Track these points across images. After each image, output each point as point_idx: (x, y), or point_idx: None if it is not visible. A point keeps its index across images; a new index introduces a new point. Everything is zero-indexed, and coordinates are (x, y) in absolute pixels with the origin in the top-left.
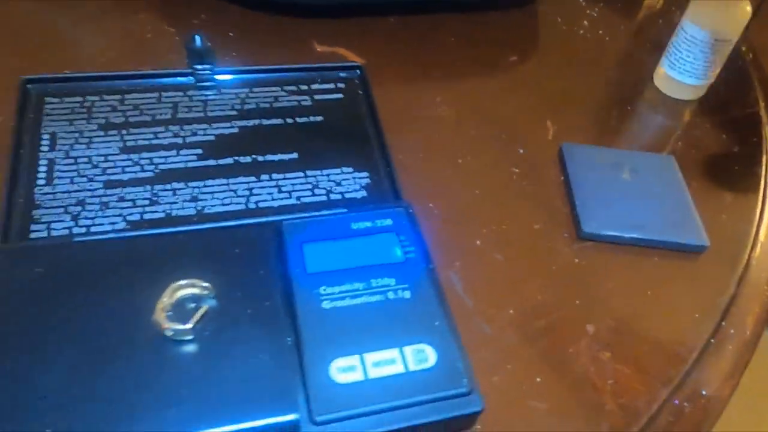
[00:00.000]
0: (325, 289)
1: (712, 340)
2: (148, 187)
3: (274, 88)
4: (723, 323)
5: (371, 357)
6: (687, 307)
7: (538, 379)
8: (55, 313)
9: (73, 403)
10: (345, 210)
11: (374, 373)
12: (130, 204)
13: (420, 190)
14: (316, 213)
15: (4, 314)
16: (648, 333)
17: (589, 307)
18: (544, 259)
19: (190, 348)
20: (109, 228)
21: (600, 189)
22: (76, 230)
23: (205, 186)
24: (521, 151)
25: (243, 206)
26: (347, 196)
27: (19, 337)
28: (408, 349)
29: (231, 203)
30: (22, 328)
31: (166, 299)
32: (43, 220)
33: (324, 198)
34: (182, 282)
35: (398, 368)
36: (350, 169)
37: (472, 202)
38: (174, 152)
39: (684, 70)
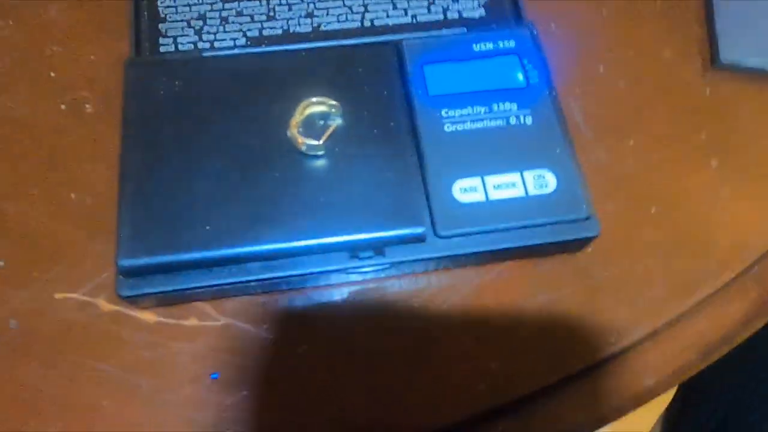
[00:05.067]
0: (446, 112)
1: None
2: (264, 1)
3: None
4: None
5: (492, 179)
6: None
7: (653, 210)
8: (199, 125)
9: (225, 204)
10: (465, 30)
11: (495, 195)
12: (248, 19)
13: (542, 8)
14: (436, 33)
15: (153, 124)
16: None
17: (716, 142)
18: (671, 89)
19: (322, 162)
20: (231, 44)
21: (745, 11)
22: (200, 45)
23: (319, 1)
24: None
25: (358, 24)
26: (465, 15)
27: (167, 146)
28: (528, 174)
29: (347, 20)
30: (170, 138)
31: (299, 116)
32: (169, 34)
33: (440, 16)
34: (312, 99)
35: (519, 191)
36: None
37: (598, 22)
38: None
39: None
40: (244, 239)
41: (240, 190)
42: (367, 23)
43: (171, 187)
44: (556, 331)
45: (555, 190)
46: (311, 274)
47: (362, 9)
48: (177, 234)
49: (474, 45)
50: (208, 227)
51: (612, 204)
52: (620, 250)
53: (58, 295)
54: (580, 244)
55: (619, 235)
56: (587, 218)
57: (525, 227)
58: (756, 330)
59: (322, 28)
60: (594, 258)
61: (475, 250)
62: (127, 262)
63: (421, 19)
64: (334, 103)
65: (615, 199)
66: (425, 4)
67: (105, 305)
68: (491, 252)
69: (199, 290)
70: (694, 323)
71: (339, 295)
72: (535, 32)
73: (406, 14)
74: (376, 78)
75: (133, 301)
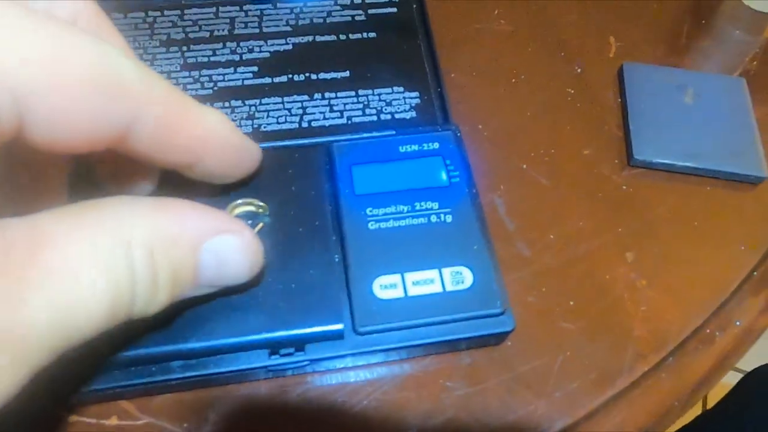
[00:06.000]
0: (371, 211)
1: (755, 273)
2: (208, 105)
3: (327, 2)
4: None
5: (411, 276)
6: (733, 238)
7: (572, 303)
8: None
9: None
10: (393, 132)
11: (413, 291)
12: None
13: (470, 111)
14: (366, 135)
15: None
16: (688, 263)
17: (631, 236)
18: (590, 185)
19: None
20: None
21: (658, 113)
22: None
23: (260, 104)
24: (578, 70)
25: (296, 125)
26: (397, 116)
27: None
28: (446, 271)
29: (285, 122)
30: None
31: None
32: None
33: (374, 118)
34: (239, 201)
35: (436, 288)
36: (401, 89)
37: (522, 124)
38: (231, 69)
39: None
40: (165, 339)
41: None
42: (305, 124)
43: None
44: (475, 426)
45: (471, 286)
46: (232, 371)
47: (301, 111)
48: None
49: (400, 146)
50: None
51: (532, 297)
52: (540, 343)
53: None
54: (497, 338)
55: (538, 328)
56: (502, 313)
57: (442, 322)
58: (672, 422)
59: (263, 129)
60: (514, 351)
61: (393, 345)
62: None
63: (356, 120)
64: (261, 204)
65: (535, 292)
66: (360, 106)
67: None
68: (409, 347)
69: (120, 389)
70: (611, 416)
71: (261, 390)
72: (459, 134)
73: (341, 116)
74: (305, 178)
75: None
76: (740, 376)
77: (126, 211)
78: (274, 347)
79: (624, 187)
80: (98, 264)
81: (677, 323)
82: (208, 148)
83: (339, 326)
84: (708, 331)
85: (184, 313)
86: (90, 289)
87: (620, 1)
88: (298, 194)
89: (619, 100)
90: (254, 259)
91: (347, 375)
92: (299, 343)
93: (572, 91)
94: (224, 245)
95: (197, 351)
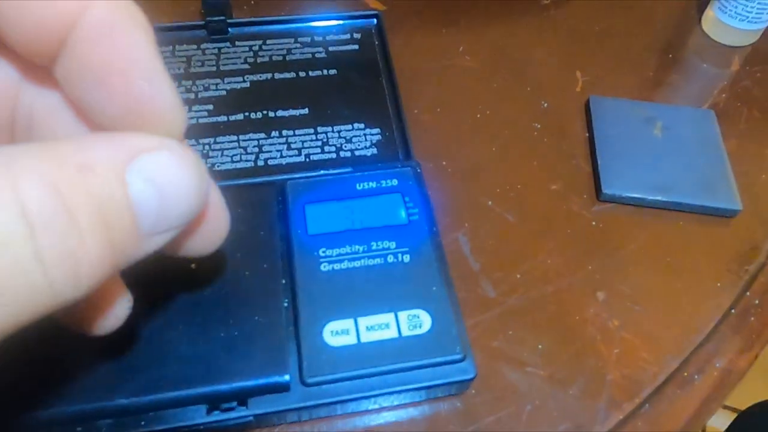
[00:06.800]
0: (324, 252)
1: (733, 311)
2: None
3: (287, 40)
4: (747, 293)
5: (365, 321)
6: (708, 275)
7: (540, 346)
8: None
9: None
10: (351, 169)
11: (367, 337)
12: None
13: (434, 147)
14: (322, 172)
15: None
16: (662, 302)
17: (602, 274)
18: (558, 221)
19: (187, 308)
20: None
21: (626, 147)
22: None
23: (215, 143)
24: (545, 104)
25: (252, 164)
26: (357, 153)
27: None
28: (402, 314)
29: (240, 160)
30: None
31: None
32: None
33: (333, 155)
34: None
35: (392, 333)
36: (362, 126)
37: (487, 160)
38: (186, 108)
39: (735, 13)
40: (91, 395)
41: (92, 341)
42: (261, 162)
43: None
44: None
45: (429, 331)
46: (167, 430)
47: (257, 149)
48: (17, 391)
49: (357, 184)
50: (55, 383)
51: (497, 341)
52: (506, 391)
53: None
54: (458, 386)
55: (504, 375)
56: (463, 359)
57: (398, 371)
58: None
59: (216, 167)
60: (478, 400)
61: (344, 397)
62: None
63: (314, 158)
64: None
65: (500, 336)
66: (319, 143)
67: None
68: (363, 398)
69: None
70: None
71: None
72: (419, 170)
73: (299, 154)
74: (255, 218)
75: None
76: (733, 414)
77: (13, 151)
78: (214, 402)
79: (593, 223)
80: None
81: (653, 366)
82: (145, 107)
83: (285, 377)
84: (686, 374)
85: (111, 364)
86: None
87: (586, 35)
88: (246, 235)
89: (587, 134)
90: (199, 176)
91: (298, 429)
92: (241, 397)
93: (539, 126)
94: (156, 165)
95: (127, 408)
